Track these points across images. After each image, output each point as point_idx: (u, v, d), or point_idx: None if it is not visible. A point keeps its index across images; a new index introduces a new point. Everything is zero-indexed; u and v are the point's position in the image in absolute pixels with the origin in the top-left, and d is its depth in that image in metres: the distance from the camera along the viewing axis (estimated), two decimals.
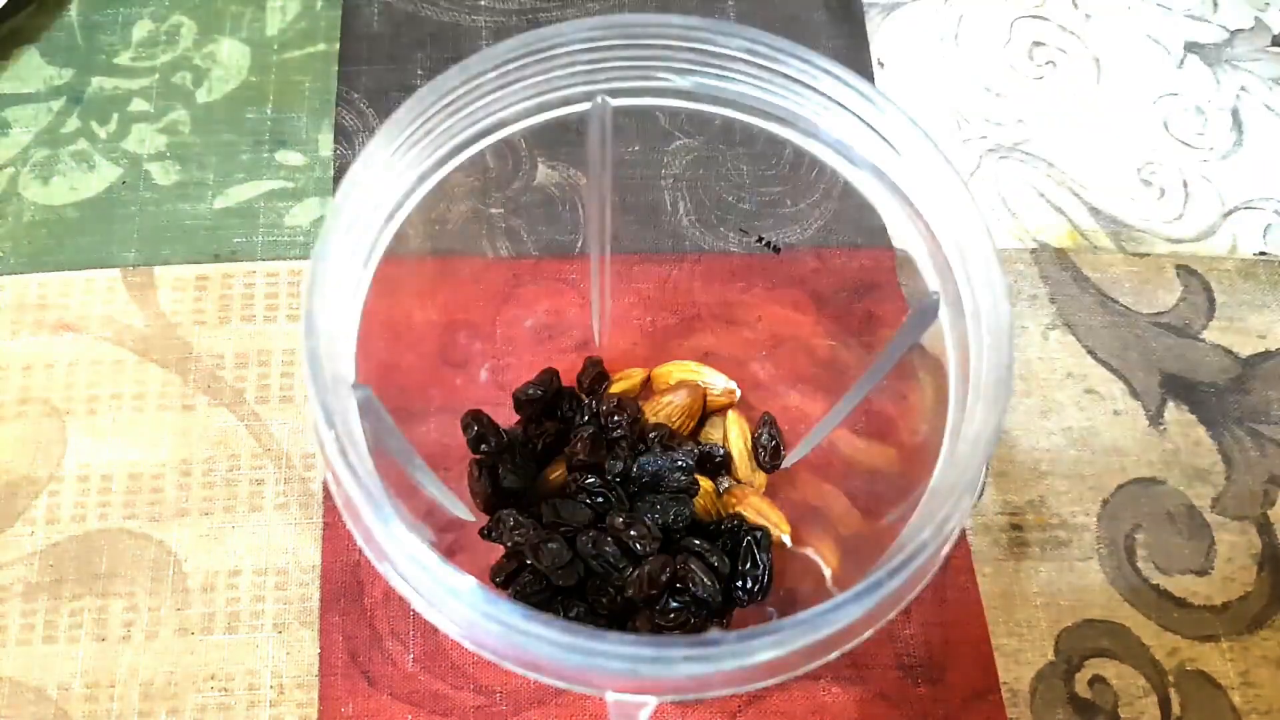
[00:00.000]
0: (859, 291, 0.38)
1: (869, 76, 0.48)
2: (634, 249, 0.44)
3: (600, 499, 0.35)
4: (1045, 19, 0.51)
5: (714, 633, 0.33)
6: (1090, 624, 0.38)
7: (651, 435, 0.37)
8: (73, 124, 0.46)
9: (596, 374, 0.40)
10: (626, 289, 0.42)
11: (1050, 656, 0.38)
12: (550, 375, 0.39)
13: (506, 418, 0.38)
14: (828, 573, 0.36)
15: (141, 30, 0.49)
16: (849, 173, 0.31)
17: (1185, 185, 0.47)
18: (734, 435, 0.39)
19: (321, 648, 0.37)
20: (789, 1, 0.51)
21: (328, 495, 0.39)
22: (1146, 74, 0.50)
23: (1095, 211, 0.47)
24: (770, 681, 0.24)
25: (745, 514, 0.36)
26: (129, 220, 0.44)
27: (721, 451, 0.38)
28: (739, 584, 0.35)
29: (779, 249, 0.38)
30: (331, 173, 0.46)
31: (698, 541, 0.34)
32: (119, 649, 0.36)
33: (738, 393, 0.40)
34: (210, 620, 0.37)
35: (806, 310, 0.39)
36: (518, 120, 0.31)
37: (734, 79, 0.31)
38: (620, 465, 0.36)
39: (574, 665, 0.23)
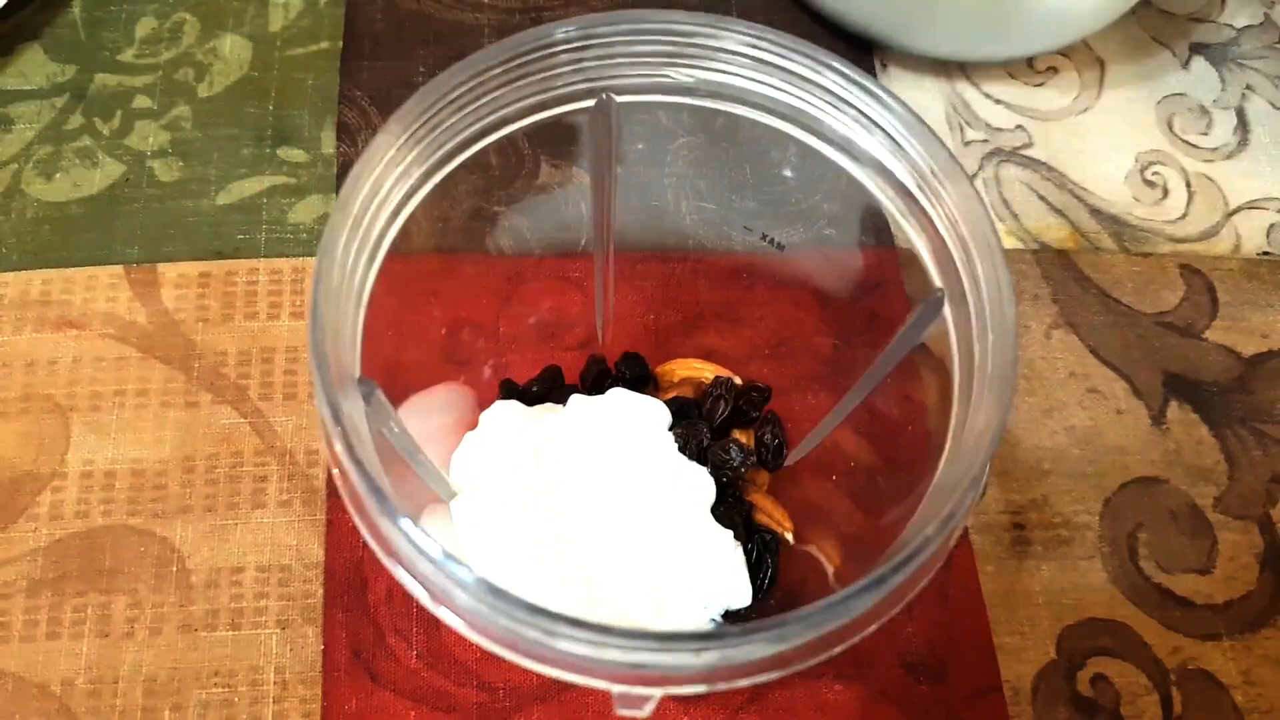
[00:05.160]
0: (863, 290, 0.38)
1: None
2: (637, 247, 0.43)
3: None
4: None
5: (720, 625, 0.33)
6: (1092, 623, 0.38)
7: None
8: (76, 120, 0.46)
9: (599, 371, 0.40)
10: (629, 287, 0.42)
11: (1052, 655, 0.38)
12: (553, 372, 0.39)
13: None
14: (830, 570, 0.36)
15: (145, 27, 0.49)
16: (853, 169, 0.31)
17: (1189, 185, 0.47)
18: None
19: (325, 644, 0.37)
20: None
21: (331, 492, 0.39)
22: (1151, 73, 0.50)
23: (1097, 212, 0.47)
24: (775, 675, 0.24)
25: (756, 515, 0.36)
26: (132, 217, 0.44)
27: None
28: None
29: (783, 246, 0.38)
30: (334, 170, 0.46)
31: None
32: (122, 645, 0.36)
33: None
34: (214, 617, 0.37)
35: (810, 308, 0.39)
36: (522, 117, 0.31)
37: (738, 75, 0.31)
38: None
39: (579, 657, 0.23)
